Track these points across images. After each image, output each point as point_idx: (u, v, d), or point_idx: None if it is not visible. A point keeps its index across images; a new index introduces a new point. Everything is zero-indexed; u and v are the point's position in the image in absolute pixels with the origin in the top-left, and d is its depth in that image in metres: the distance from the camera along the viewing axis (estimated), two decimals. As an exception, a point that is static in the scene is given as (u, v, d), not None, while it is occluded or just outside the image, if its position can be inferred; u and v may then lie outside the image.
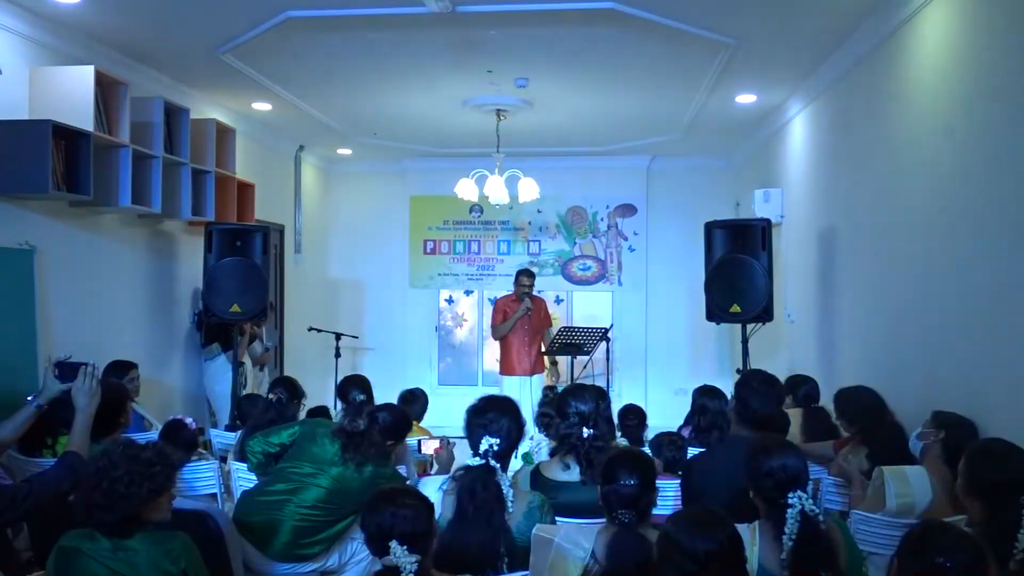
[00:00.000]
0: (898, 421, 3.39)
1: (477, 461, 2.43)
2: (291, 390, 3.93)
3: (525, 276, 6.67)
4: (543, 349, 6.88)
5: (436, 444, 3.67)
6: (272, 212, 7.23)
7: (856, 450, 3.43)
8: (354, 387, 4.12)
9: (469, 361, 8.78)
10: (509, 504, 2.36)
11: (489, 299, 8.18)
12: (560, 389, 3.99)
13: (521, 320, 6.62)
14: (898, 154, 4.12)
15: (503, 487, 2.37)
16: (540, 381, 6.80)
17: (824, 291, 5.35)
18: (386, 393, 4.57)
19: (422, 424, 4.64)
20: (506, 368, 6.75)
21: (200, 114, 5.68)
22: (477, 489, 2.35)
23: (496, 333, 6.82)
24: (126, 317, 5.14)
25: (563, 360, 7.23)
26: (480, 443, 2.44)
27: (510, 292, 6.82)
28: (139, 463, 2.09)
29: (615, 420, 4.23)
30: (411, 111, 6.44)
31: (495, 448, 2.43)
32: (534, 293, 6.94)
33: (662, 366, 8.36)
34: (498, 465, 2.41)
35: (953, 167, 3.52)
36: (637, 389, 8.18)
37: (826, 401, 4.33)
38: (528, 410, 6.50)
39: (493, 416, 2.51)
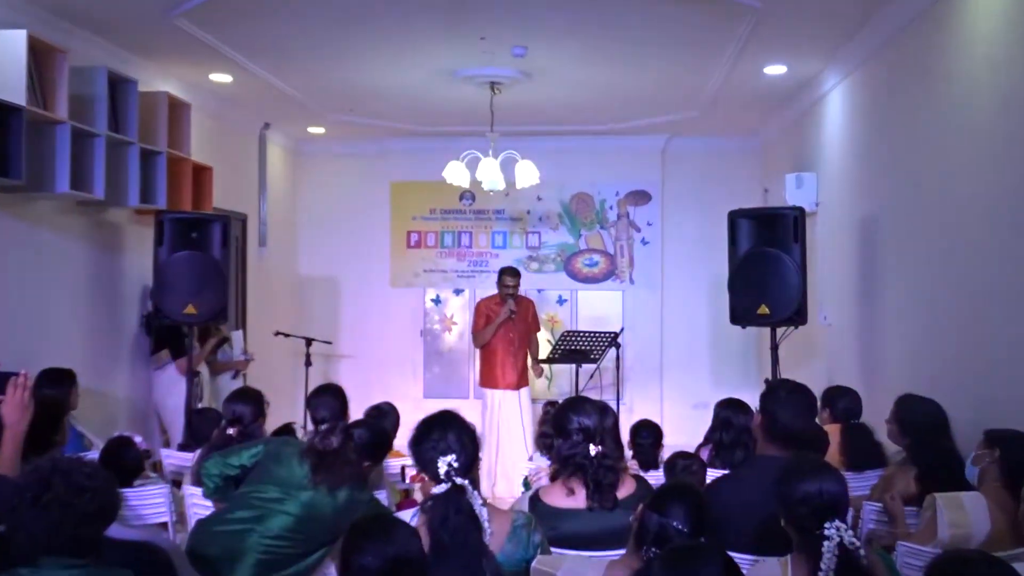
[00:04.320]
0: (956, 447, 3.38)
1: (443, 487, 2.41)
2: (254, 404, 3.91)
3: (508, 275, 6.70)
4: (538, 357, 6.88)
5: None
6: (233, 199, 7.20)
7: (903, 470, 3.42)
8: (327, 399, 4.10)
9: (459, 370, 8.77)
10: (485, 524, 2.34)
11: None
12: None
13: (506, 325, 6.63)
14: (951, 131, 4.11)
15: (475, 506, 2.36)
16: (528, 395, 6.80)
17: (866, 290, 5.34)
18: (365, 407, 4.55)
19: (395, 445, 4.62)
20: (487, 380, 6.77)
21: (150, 87, 5.65)
22: (450, 515, 2.34)
23: (477, 339, 6.85)
24: (63, 319, 5.11)
25: (563, 369, 7.23)
26: (438, 467, 2.42)
27: (495, 293, 6.84)
28: (76, 480, 2.06)
29: (626, 438, 4.24)
30: (393, 84, 6.42)
31: (455, 465, 2.42)
32: (521, 293, 6.95)
33: (680, 376, 8.36)
34: (466, 482, 2.40)
35: (1013, 146, 3.51)
36: (651, 402, 8.17)
37: (869, 416, 4.32)
38: (516, 429, 6.59)
39: (438, 435, 2.50)
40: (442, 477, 2.42)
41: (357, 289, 8.75)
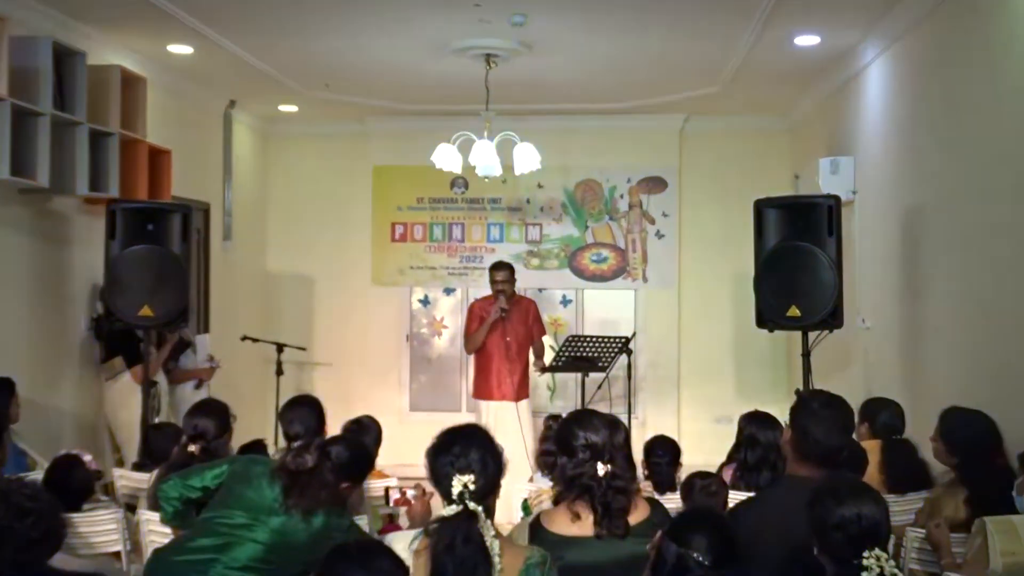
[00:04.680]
0: (1011, 467, 3.38)
1: (453, 510, 2.41)
2: (218, 418, 3.91)
3: (497, 271, 6.75)
4: (537, 365, 6.88)
5: (408, 492, 3.65)
6: (194, 187, 7.20)
7: (951, 492, 3.42)
8: (301, 412, 4.10)
9: (450, 380, 8.77)
10: (496, 559, 2.34)
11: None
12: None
13: (500, 328, 6.63)
14: (1006, 110, 4.11)
15: (486, 537, 2.36)
16: (528, 408, 6.81)
17: (910, 289, 5.35)
18: (343, 421, 4.55)
19: (377, 464, 4.62)
20: (481, 390, 6.79)
21: (101, 59, 5.65)
22: (457, 543, 2.34)
23: (469, 344, 6.87)
24: (2, 322, 5.10)
25: (568, 379, 7.23)
26: (451, 486, 2.42)
27: (490, 293, 6.85)
28: (17, 502, 2.05)
29: (639, 456, 4.23)
30: (376, 56, 6.42)
31: (471, 488, 2.41)
32: (521, 293, 6.94)
33: (699, 386, 8.37)
34: (480, 509, 2.40)
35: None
36: (667, 416, 8.18)
37: (913, 432, 4.32)
38: (514, 446, 6.58)
39: (459, 449, 2.51)
40: (454, 498, 2.42)
41: (334, 288, 8.75)
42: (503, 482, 2.65)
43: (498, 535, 2.41)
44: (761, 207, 5.51)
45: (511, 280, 6.74)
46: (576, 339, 6.86)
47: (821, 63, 6.44)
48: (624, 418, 6.26)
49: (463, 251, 8.63)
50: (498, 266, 6.79)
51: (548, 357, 7.15)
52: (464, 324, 7.12)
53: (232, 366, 7.53)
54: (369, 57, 6.45)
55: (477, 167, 6.31)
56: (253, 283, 8.55)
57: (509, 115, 6.99)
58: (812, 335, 5.37)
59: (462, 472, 2.44)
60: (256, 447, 4.23)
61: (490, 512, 2.48)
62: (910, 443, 4.10)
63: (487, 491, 2.49)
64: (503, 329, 6.65)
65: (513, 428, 6.47)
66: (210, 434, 3.83)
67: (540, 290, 8.52)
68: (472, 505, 2.40)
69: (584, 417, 2.91)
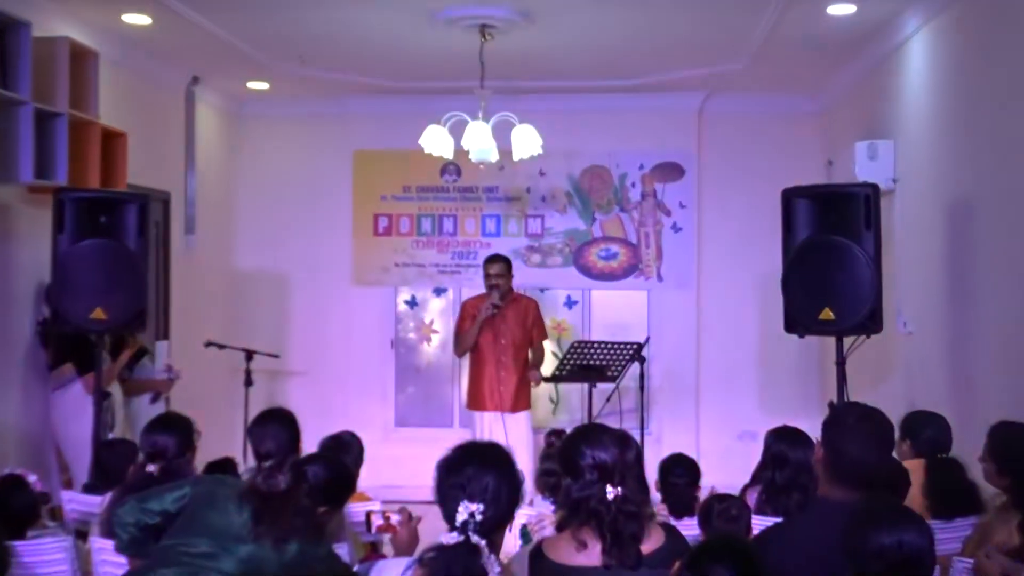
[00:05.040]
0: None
1: (453, 539, 2.40)
2: (180, 434, 3.89)
3: (490, 264, 6.79)
4: (531, 376, 6.88)
5: (393, 517, 3.64)
6: (153, 174, 7.19)
7: (1003, 517, 3.42)
8: (273, 428, 4.10)
9: (441, 391, 8.77)
10: None
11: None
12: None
13: (495, 329, 6.64)
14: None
15: (489, 574, 2.35)
16: (527, 421, 6.80)
17: (958, 289, 5.35)
18: (320, 437, 4.54)
19: (358, 486, 4.63)
20: (474, 399, 6.82)
21: (47, 31, 5.64)
22: None
23: (458, 344, 6.92)
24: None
25: (573, 389, 7.23)
26: (456, 511, 2.42)
27: (484, 292, 6.88)
28: None
29: (653, 476, 4.23)
30: (357, 27, 6.41)
31: (478, 518, 2.41)
32: (520, 291, 6.95)
33: (721, 398, 8.38)
34: (483, 543, 2.39)
35: None
36: (684, 432, 8.17)
37: (960, 450, 4.32)
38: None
39: (473, 471, 2.49)
40: (457, 525, 2.41)
41: (311, 288, 8.74)
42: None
43: (504, 571, 2.41)
44: (790, 197, 5.51)
45: (506, 275, 6.76)
46: (582, 345, 6.87)
47: (857, 35, 6.44)
48: (636, 434, 6.24)
49: (455, 246, 8.63)
50: (492, 259, 6.83)
51: (551, 365, 7.17)
52: (456, 321, 7.13)
53: (196, 375, 7.52)
54: (349, 27, 6.44)
55: (471, 152, 6.30)
56: (219, 282, 8.54)
57: (507, 93, 6.99)
58: (847, 341, 5.37)
59: (471, 499, 2.43)
60: (223, 466, 4.22)
61: (496, 547, 2.47)
62: (957, 462, 4.10)
63: (495, 525, 2.48)
64: (496, 329, 6.66)
65: (509, 444, 6.48)
66: (171, 452, 3.83)
67: (542, 290, 8.52)
68: (475, 538, 2.39)
69: (591, 433, 2.91)
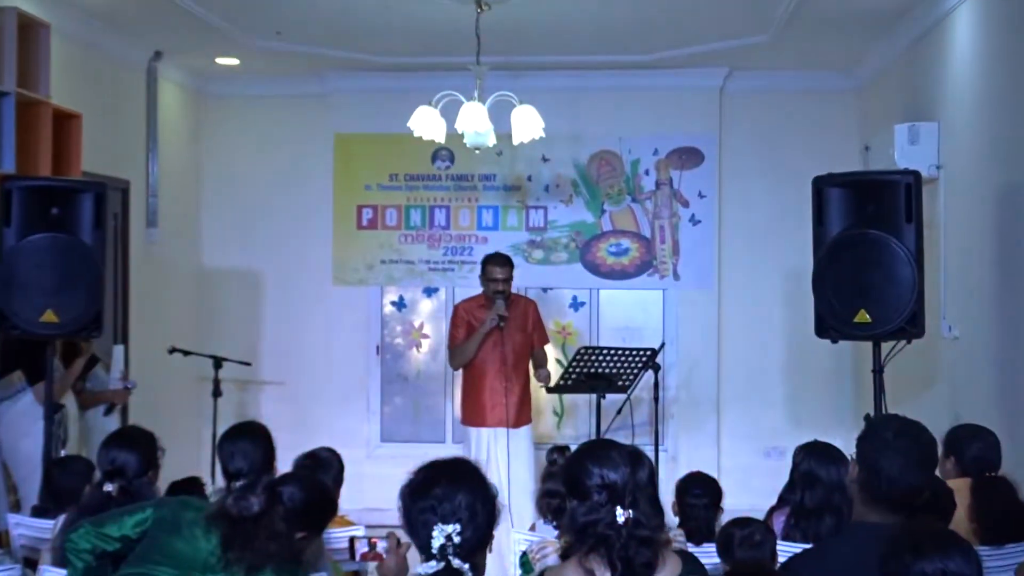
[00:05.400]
0: None
1: (432, 567, 2.41)
2: (142, 451, 3.91)
3: (496, 266, 6.70)
4: (539, 377, 6.87)
5: (379, 543, 3.65)
6: (111, 160, 7.20)
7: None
8: (244, 444, 4.11)
9: (432, 403, 8.77)
10: None
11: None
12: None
13: (495, 337, 6.62)
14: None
15: None
16: (529, 437, 6.80)
17: (1009, 289, 5.35)
18: (297, 454, 4.56)
19: (340, 509, 4.63)
20: (470, 414, 6.78)
21: (-8, 0, 5.65)
22: None
23: (455, 358, 6.85)
24: None
25: (579, 401, 7.22)
26: (431, 537, 2.43)
27: (479, 293, 6.87)
28: None
29: (669, 497, 4.24)
30: (337, -4, 6.42)
31: (456, 540, 2.42)
32: (517, 292, 6.94)
33: (744, 411, 8.38)
34: (466, 566, 2.41)
35: None
36: (704, 448, 8.18)
37: (1011, 468, 4.32)
38: (512, 485, 6.57)
39: (442, 491, 2.51)
40: (434, 552, 2.42)
41: (287, 289, 8.75)
42: (498, 529, 2.66)
43: None
44: (822, 186, 5.51)
45: (511, 279, 6.74)
46: (590, 352, 6.86)
47: (897, 4, 6.44)
48: (650, 451, 6.27)
49: (448, 241, 8.64)
50: (495, 260, 6.76)
51: (554, 374, 7.16)
52: (448, 332, 7.11)
53: (158, 385, 7.53)
54: (330, -3, 6.45)
55: (466, 135, 6.30)
56: (184, 281, 8.55)
57: (505, 70, 7.00)
58: (885, 346, 5.37)
59: (445, 520, 2.45)
60: (189, 487, 4.23)
61: (478, 570, 2.48)
62: (1008, 482, 4.10)
63: (476, 545, 2.49)
64: (496, 336, 6.64)
65: (511, 462, 6.48)
66: (131, 470, 3.82)
67: (545, 290, 8.53)
68: (456, 563, 2.40)
69: (599, 450, 2.91)
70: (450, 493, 2.51)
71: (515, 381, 6.72)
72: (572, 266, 8.56)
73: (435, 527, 2.44)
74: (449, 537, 2.43)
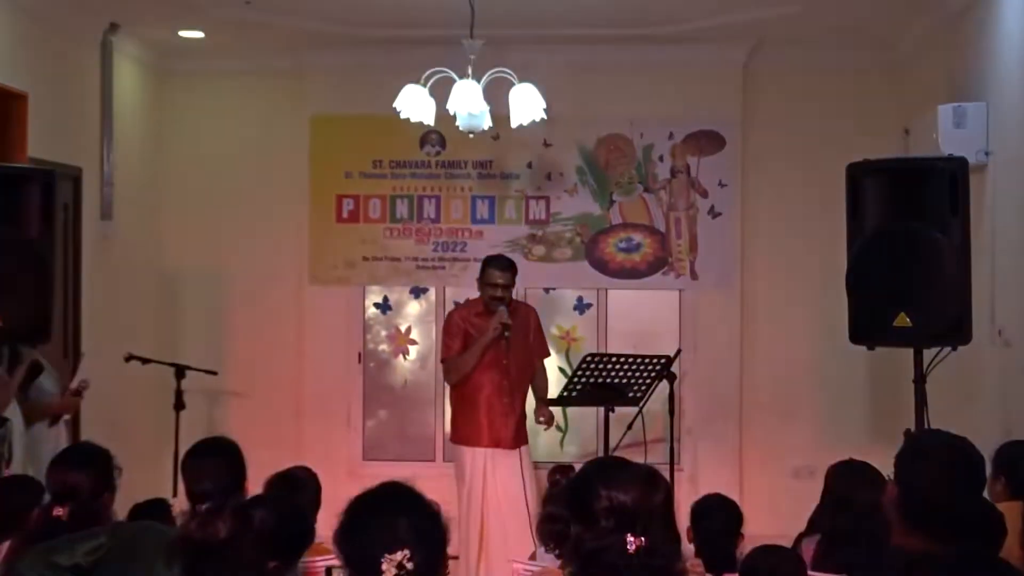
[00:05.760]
0: None
1: None
2: (96, 470, 3.92)
3: (497, 270, 6.71)
4: (546, 396, 6.87)
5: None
6: (60, 145, 7.19)
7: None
8: (210, 463, 4.11)
9: (420, 417, 8.77)
10: None
11: (456, 304, 8.16)
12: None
13: (495, 350, 6.63)
14: None
15: None
16: (527, 456, 6.80)
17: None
18: (269, 474, 4.56)
19: (316, 535, 4.63)
20: (465, 433, 6.79)
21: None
22: None
23: (451, 371, 6.85)
24: None
25: (584, 415, 7.22)
26: (382, 572, 2.44)
27: (476, 298, 6.88)
28: None
29: (685, 523, 4.24)
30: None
31: (408, 566, 2.44)
32: (515, 298, 6.95)
33: (770, 425, 8.38)
34: None
35: None
36: (724, 467, 8.19)
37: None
38: (510, 509, 6.56)
39: (380, 521, 2.53)
40: None
41: (258, 289, 8.74)
42: (495, 558, 2.67)
43: None
44: (857, 174, 5.52)
45: (512, 286, 6.74)
46: (597, 359, 6.85)
47: (941, -28, 6.45)
48: (665, 470, 6.27)
49: (438, 235, 8.63)
50: (497, 263, 6.76)
51: (557, 385, 7.16)
52: (440, 342, 7.11)
53: (114, 397, 7.52)
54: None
55: (458, 117, 6.31)
56: (143, 281, 8.54)
57: (503, 44, 6.99)
58: (928, 354, 5.37)
59: (391, 548, 2.46)
60: (151, 510, 4.23)
61: None
62: (1064, 505, 4.12)
63: (432, 566, 2.50)
64: (500, 350, 6.64)
65: (512, 485, 6.48)
66: (84, 492, 3.82)
67: (546, 290, 8.54)
68: None
69: (607, 469, 2.92)
70: (389, 520, 2.52)
71: (516, 397, 6.73)
72: (577, 264, 8.56)
73: (383, 560, 2.45)
74: (400, 565, 2.44)
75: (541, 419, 6.92)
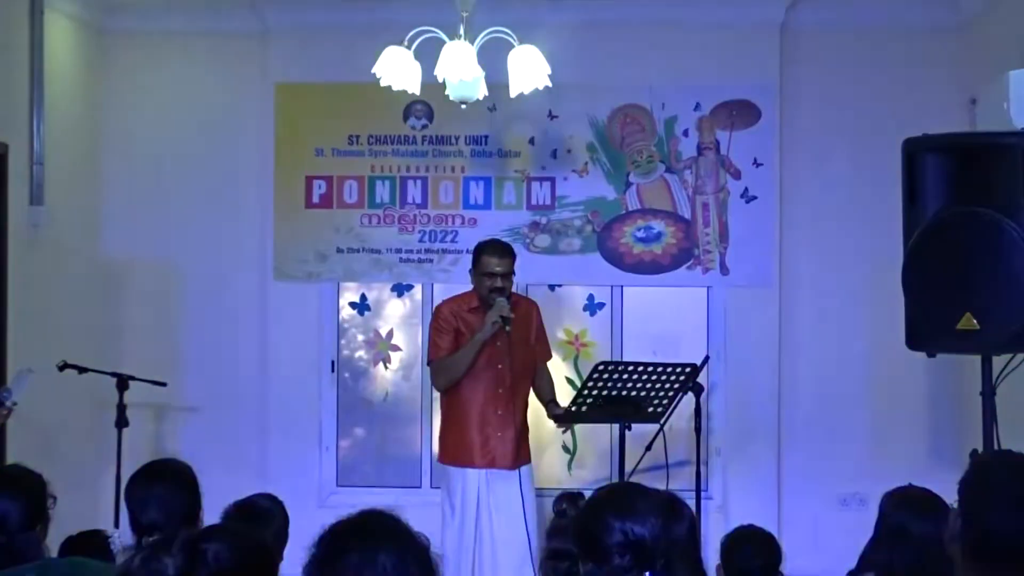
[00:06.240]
0: None
1: None
2: (26, 498, 3.91)
3: (494, 256, 6.76)
4: (551, 412, 6.88)
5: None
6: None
7: None
8: (159, 490, 4.12)
9: (404, 436, 8.78)
10: None
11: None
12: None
13: (491, 349, 6.65)
14: None
15: None
16: (530, 480, 6.80)
17: None
18: (227, 502, 4.57)
19: (282, 573, 4.65)
20: (455, 452, 6.83)
21: None
22: None
23: (439, 375, 6.87)
24: None
25: (597, 433, 7.22)
26: None
27: (468, 291, 6.94)
28: None
29: (714, 559, 4.25)
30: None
31: None
32: (516, 291, 6.96)
33: (814, 446, 8.38)
34: None
35: None
36: (761, 495, 8.19)
37: None
38: (509, 540, 6.58)
39: (358, 557, 2.54)
40: None
41: (212, 285, 8.74)
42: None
43: None
44: (916, 151, 5.51)
45: (512, 274, 6.75)
46: (611, 368, 6.85)
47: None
48: (690, 498, 6.27)
49: (425, 223, 8.63)
50: (493, 249, 6.79)
51: (565, 398, 7.16)
52: (428, 341, 7.10)
53: (46, 412, 7.52)
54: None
55: (448, 85, 6.31)
56: (80, 276, 8.54)
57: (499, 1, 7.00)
58: (998, 362, 5.37)
59: None
60: (88, 544, 4.23)
61: None
62: None
63: None
64: (497, 350, 6.64)
65: (511, 512, 6.49)
66: (12, 523, 3.84)
67: (552, 287, 8.54)
68: None
69: (622, 497, 2.93)
70: (367, 557, 2.53)
71: (516, 409, 6.73)
72: (588, 256, 8.55)
73: None
74: None
75: (558, 411, 6.90)
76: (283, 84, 8.64)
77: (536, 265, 8.36)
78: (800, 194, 8.48)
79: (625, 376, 6.75)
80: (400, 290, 8.79)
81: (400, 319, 8.83)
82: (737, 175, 8.49)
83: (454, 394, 6.76)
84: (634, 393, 6.73)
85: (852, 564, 4.37)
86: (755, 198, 8.48)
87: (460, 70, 6.24)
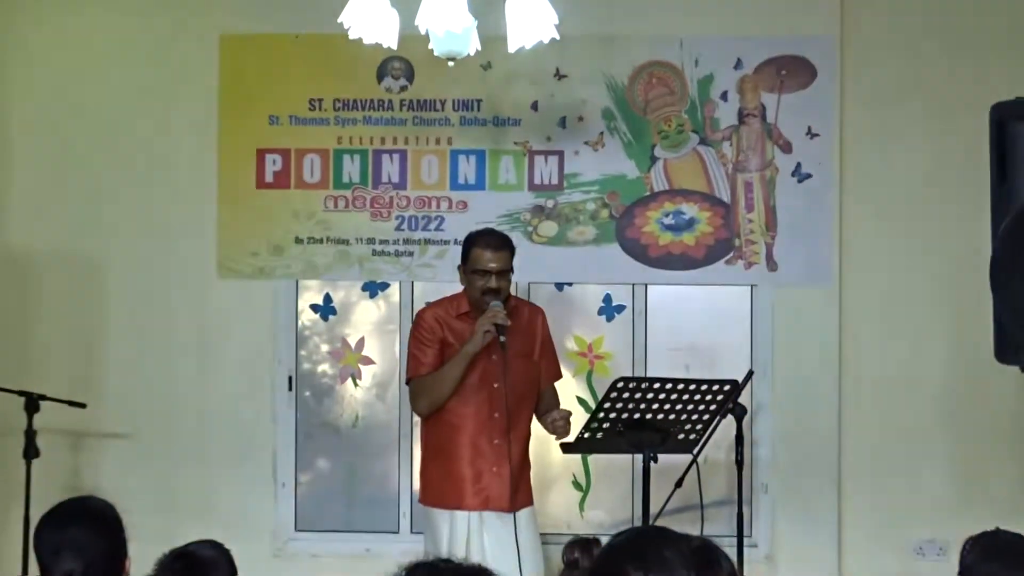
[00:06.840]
0: None
1: None
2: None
3: (487, 250, 6.80)
4: (557, 431, 6.91)
5: None
6: None
7: None
8: (77, 533, 4.14)
9: (379, 469, 8.81)
10: None
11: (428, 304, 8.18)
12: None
13: (484, 367, 6.69)
14: None
15: None
16: (532, 525, 6.83)
17: None
18: (161, 551, 4.58)
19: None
20: (441, 490, 6.88)
21: None
22: None
23: (423, 396, 6.90)
24: None
25: (615, 466, 7.26)
26: None
27: (457, 293, 7.01)
28: None
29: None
30: None
31: None
32: (516, 294, 6.99)
33: (881, 482, 8.40)
34: None
35: None
36: (817, 541, 8.22)
37: None
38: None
39: None
40: None
41: (143, 284, 8.76)
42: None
43: None
44: (1006, 118, 5.55)
45: (510, 272, 6.76)
46: (632, 386, 6.87)
47: None
48: (730, 546, 6.28)
49: (404, 207, 8.66)
50: (486, 240, 6.83)
51: (577, 423, 7.18)
52: (408, 355, 7.12)
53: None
54: None
55: (432, 38, 6.34)
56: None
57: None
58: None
59: None
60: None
61: None
62: None
63: None
64: (491, 366, 6.66)
65: (509, 564, 6.52)
66: None
67: (559, 287, 8.57)
68: None
69: (646, 545, 2.94)
70: None
71: (514, 438, 6.74)
72: (604, 248, 8.58)
73: None
74: None
75: (558, 420, 6.91)
76: (229, 35, 8.67)
77: (540, 260, 8.40)
78: (864, 171, 8.50)
79: (650, 395, 6.76)
80: (373, 290, 8.80)
81: (373, 325, 8.84)
82: (787, 148, 8.51)
83: (439, 420, 6.77)
84: (661, 416, 6.74)
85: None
86: (809, 176, 8.50)
87: (447, 19, 6.25)
